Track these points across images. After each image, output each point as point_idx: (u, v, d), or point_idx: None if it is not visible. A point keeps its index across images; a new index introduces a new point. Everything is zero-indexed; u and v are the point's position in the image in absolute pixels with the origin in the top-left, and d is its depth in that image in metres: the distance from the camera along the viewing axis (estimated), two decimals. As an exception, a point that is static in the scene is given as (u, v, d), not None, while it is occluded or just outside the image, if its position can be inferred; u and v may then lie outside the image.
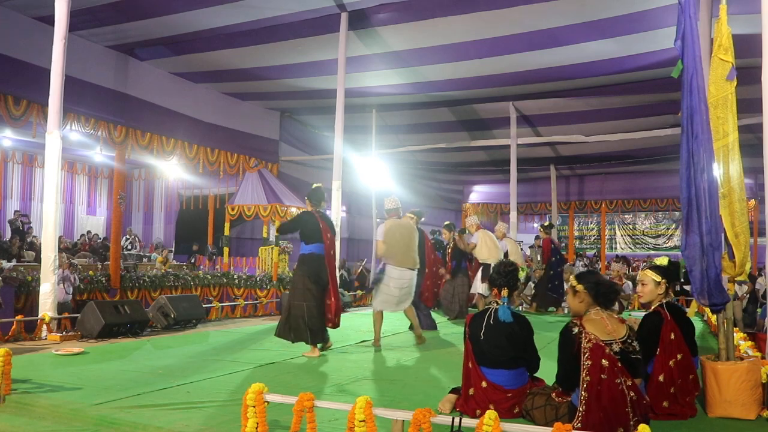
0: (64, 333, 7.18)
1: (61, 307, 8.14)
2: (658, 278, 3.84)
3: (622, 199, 18.96)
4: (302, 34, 9.75)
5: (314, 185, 6.25)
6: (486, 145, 14.76)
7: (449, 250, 9.53)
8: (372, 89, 12.22)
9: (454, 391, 3.81)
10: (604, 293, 3.32)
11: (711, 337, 7.35)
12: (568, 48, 9.86)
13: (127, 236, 15.99)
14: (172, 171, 15.40)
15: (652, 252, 25.81)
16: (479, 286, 9.05)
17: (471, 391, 3.63)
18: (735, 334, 4.73)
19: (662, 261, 3.97)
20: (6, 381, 3.95)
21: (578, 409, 3.10)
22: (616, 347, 3.17)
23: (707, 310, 6.29)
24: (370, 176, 14.95)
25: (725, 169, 3.91)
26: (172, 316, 8.18)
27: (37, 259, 10.21)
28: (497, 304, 3.70)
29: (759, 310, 9.59)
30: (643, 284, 3.92)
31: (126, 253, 14.63)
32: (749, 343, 5.18)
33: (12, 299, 8.45)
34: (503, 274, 3.74)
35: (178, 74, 11.80)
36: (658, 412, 3.54)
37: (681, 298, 13.10)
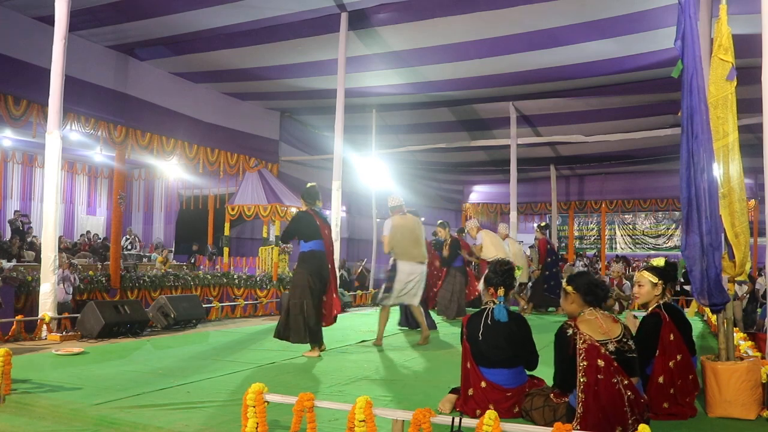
0: (64, 333, 7.18)
1: (61, 307, 8.15)
2: (655, 279, 3.84)
3: (622, 199, 18.96)
4: (302, 34, 9.75)
5: (308, 184, 6.25)
6: (486, 145, 14.76)
7: (446, 247, 9.56)
8: (372, 89, 12.22)
9: (454, 391, 3.81)
10: (592, 292, 3.33)
11: (711, 337, 7.35)
12: (568, 48, 9.86)
13: (127, 236, 15.99)
14: (172, 171, 15.41)
15: (652, 252, 25.82)
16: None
17: (470, 392, 3.62)
18: (735, 334, 4.73)
19: (659, 262, 3.96)
20: (6, 381, 3.95)
21: (576, 411, 3.10)
22: (611, 347, 3.17)
23: (707, 310, 6.29)
24: (370, 176, 14.95)
25: (725, 169, 3.91)
26: (172, 316, 8.17)
27: (37, 259, 10.21)
28: (494, 303, 3.70)
29: (759, 310, 9.59)
30: (639, 285, 3.92)
31: (126, 253, 14.63)
32: (749, 343, 5.18)
33: (12, 299, 8.46)
34: (499, 273, 3.74)
35: (178, 74, 11.81)
36: (658, 412, 3.54)
37: (681, 298, 13.13)
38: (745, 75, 4.85)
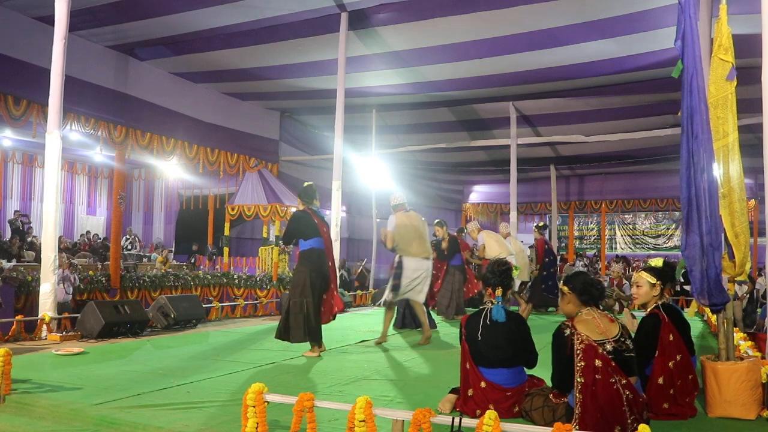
0: (64, 333, 7.18)
1: (61, 307, 8.15)
2: (653, 280, 3.84)
3: (622, 199, 18.97)
4: (302, 34, 9.75)
5: (305, 184, 6.24)
6: (486, 145, 14.76)
7: (444, 246, 9.58)
8: (372, 89, 12.22)
9: (454, 391, 3.81)
10: (587, 291, 3.34)
11: (711, 337, 7.35)
12: (568, 48, 9.86)
13: (127, 236, 15.99)
14: (172, 171, 15.41)
15: (652, 252, 25.83)
16: None
17: (470, 392, 3.62)
18: (735, 334, 4.73)
19: (657, 262, 3.96)
20: (6, 381, 3.95)
21: (574, 412, 3.10)
22: (609, 346, 3.18)
23: (707, 310, 6.29)
24: (370, 176, 14.95)
25: (725, 169, 3.91)
26: (172, 316, 8.17)
27: (37, 259, 10.21)
28: (491, 303, 3.71)
29: (759, 310, 9.59)
30: (638, 286, 3.92)
31: (126, 253, 14.63)
32: (749, 343, 5.18)
33: (12, 299, 8.46)
34: (497, 274, 3.75)
35: (178, 74, 11.81)
36: (658, 412, 3.54)
37: (681, 298, 13.14)
38: (745, 75, 4.85)
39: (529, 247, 11.79)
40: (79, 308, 8.20)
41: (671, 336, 3.67)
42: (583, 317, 3.30)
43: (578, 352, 3.15)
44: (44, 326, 7.16)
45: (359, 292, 13.93)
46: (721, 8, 4.04)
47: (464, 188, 21.27)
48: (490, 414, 2.63)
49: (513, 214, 13.76)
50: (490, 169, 18.28)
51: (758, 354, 4.66)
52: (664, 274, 3.87)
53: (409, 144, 14.90)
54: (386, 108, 13.52)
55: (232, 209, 13.48)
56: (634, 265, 18.67)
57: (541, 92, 12.28)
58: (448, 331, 7.87)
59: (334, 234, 9.62)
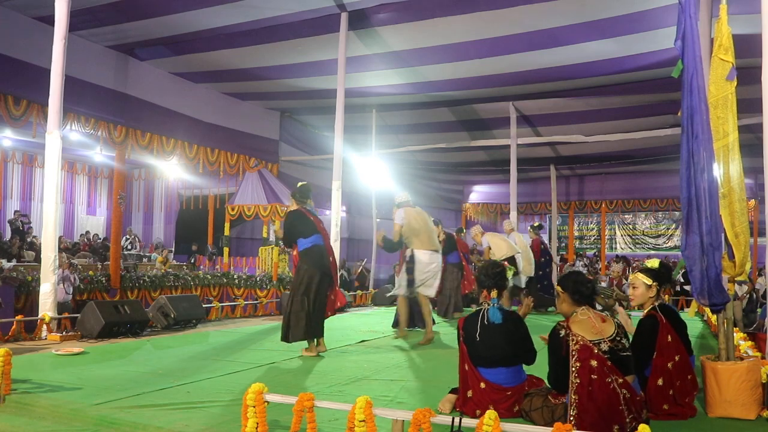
0: (64, 333, 7.18)
1: (61, 307, 8.15)
2: (649, 281, 3.85)
3: (622, 199, 18.96)
4: (302, 34, 9.75)
5: (299, 184, 6.23)
6: (486, 145, 14.76)
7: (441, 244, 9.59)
8: (372, 89, 12.22)
9: (454, 391, 3.81)
10: (578, 290, 3.35)
11: (711, 337, 7.35)
12: (568, 48, 9.86)
13: (127, 236, 15.99)
14: (172, 171, 15.41)
15: (652, 252, 25.81)
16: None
17: (469, 394, 3.61)
18: (735, 334, 4.73)
19: (653, 264, 3.97)
20: (6, 381, 3.95)
21: (569, 413, 3.10)
22: (604, 346, 3.18)
23: (707, 310, 6.29)
24: (370, 176, 14.95)
25: (725, 169, 3.91)
26: (172, 316, 8.17)
27: (37, 259, 10.22)
28: (488, 305, 3.71)
29: (759, 310, 9.59)
30: (634, 287, 3.93)
31: (126, 253, 14.63)
32: (749, 343, 5.18)
33: (12, 299, 8.46)
34: (491, 276, 3.77)
35: (178, 74, 11.80)
36: (658, 413, 3.54)
37: (681, 298, 13.14)
38: (745, 75, 4.85)
39: (529, 247, 11.79)
40: (79, 308, 8.20)
41: (669, 337, 3.67)
42: (578, 317, 3.31)
43: (573, 353, 3.16)
44: (44, 326, 7.16)
45: (359, 292, 13.92)
46: (721, 8, 4.04)
47: (464, 188, 21.27)
48: (490, 414, 2.63)
49: (513, 214, 13.75)
50: (490, 169, 18.28)
51: (758, 354, 4.66)
52: (660, 275, 3.87)
53: (409, 144, 14.90)
54: (386, 108, 13.52)
55: (232, 209, 13.48)
56: (634, 265, 18.66)
57: (541, 92, 12.28)
58: (449, 331, 7.86)
59: (334, 234, 9.63)
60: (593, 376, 3.10)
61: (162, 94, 11.50)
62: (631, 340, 3.46)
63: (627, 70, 10.72)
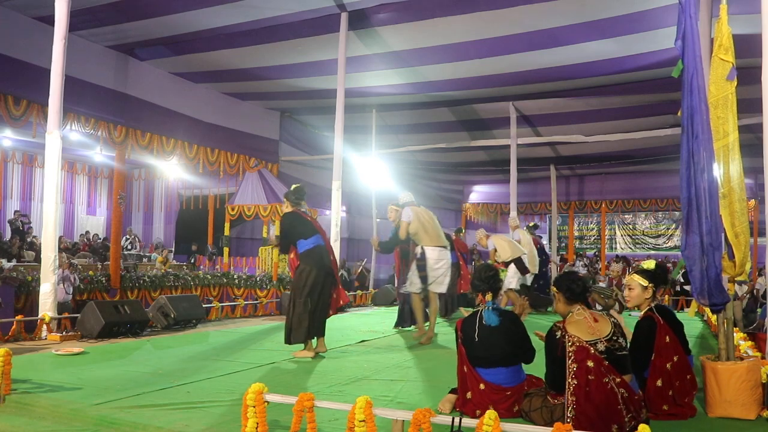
0: (64, 333, 7.18)
1: (61, 307, 8.15)
2: (645, 282, 3.85)
3: (622, 199, 18.96)
4: (302, 34, 9.75)
5: (293, 186, 6.16)
6: (486, 145, 14.76)
7: None
8: (372, 89, 12.22)
9: (454, 391, 3.81)
10: (569, 288, 3.36)
11: (711, 337, 7.34)
12: (568, 48, 9.86)
13: (127, 236, 16.00)
14: (172, 171, 15.41)
15: (652, 252, 25.81)
16: (512, 282, 9.13)
17: (468, 395, 3.61)
18: (735, 334, 4.73)
19: (649, 265, 3.98)
20: (6, 381, 3.95)
21: (566, 414, 3.11)
22: (601, 346, 3.18)
23: (707, 310, 6.29)
24: (370, 176, 14.94)
25: (725, 169, 3.91)
26: (172, 316, 8.17)
27: (37, 259, 10.21)
28: (484, 308, 3.73)
29: (759, 310, 9.59)
30: (630, 289, 3.93)
31: (126, 253, 14.64)
32: (749, 343, 5.18)
33: (12, 299, 8.47)
34: (484, 280, 3.79)
35: (178, 74, 11.81)
36: (658, 413, 3.54)
37: (681, 298, 13.14)
38: (745, 75, 4.85)
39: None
40: (79, 308, 8.21)
41: (667, 338, 3.67)
42: (575, 318, 3.31)
43: (570, 354, 3.16)
44: (44, 326, 7.16)
45: (359, 292, 13.92)
46: (721, 8, 4.04)
47: (464, 188, 21.27)
48: (490, 414, 2.63)
49: (513, 214, 13.75)
50: (490, 169, 18.28)
51: (758, 354, 4.66)
52: (657, 276, 3.88)
53: (409, 144, 14.90)
54: (386, 108, 13.52)
55: (232, 209, 13.48)
56: (634, 265, 18.66)
57: (541, 92, 12.28)
58: (448, 331, 7.86)
59: (334, 234, 9.64)
60: (590, 377, 3.10)
61: (162, 94, 11.50)
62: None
63: (627, 70, 10.72)
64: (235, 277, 12.54)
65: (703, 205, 3.67)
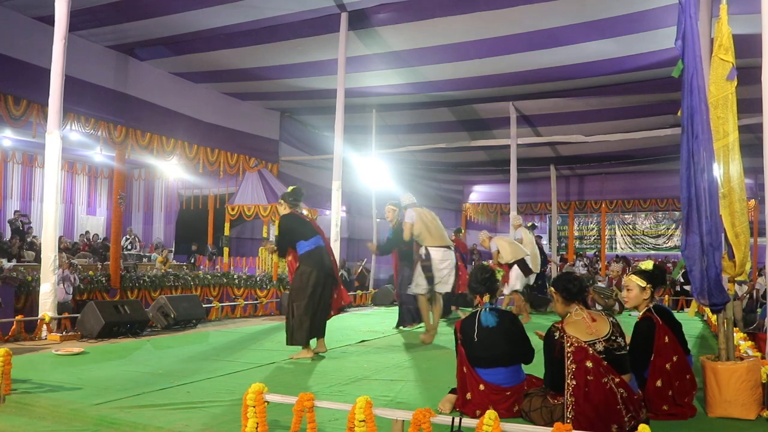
0: (64, 333, 7.18)
1: (61, 307, 8.15)
2: (643, 283, 3.85)
3: (622, 199, 18.97)
4: (302, 34, 9.75)
5: (290, 188, 6.11)
6: (486, 145, 14.76)
7: None
8: (372, 89, 12.22)
9: (454, 391, 3.81)
10: (565, 288, 3.37)
11: (711, 337, 7.35)
12: (568, 48, 9.86)
13: (127, 236, 16.00)
14: (172, 171, 15.42)
15: (652, 252, 25.83)
16: (517, 284, 9.13)
17: (468, 396, 3.61)
18: (735, 334, 4.73)
19: (647, 266, 3.98)
20: (6, 381, 3.95)
21: (565, 415, 3.10)
22: (599, 346, 3.18)
23: (707, 310, 6.29)
24: (370, 176, 14.95)
25: (725, 169, 3.91)
26: (172, 316, 8.17)
27: (37, 259, 10.22)
28: (482, 309, 3.73)
29: (759, 310, 9.60)
30: (628, 290, 3.94)
31: (126, 253, 14.64)
32: (749, 343, 5.18)
33: (12, 299, 8.47)
34: (481, 282, 3.79)
35: (178, 74, 11.81)
36: (657, 413, 3.54)
37: (681, 298, 13.14)
38: (745, 75, 4.84)
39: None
40: (79, 308, 8.20)
41: (666, 338, 3.67)
42: (573, 318, 3.32)
43: (569, 354, 3.16)
44: (44, 326, 7.16)
45: (359, 292, 13.92)
46: (721, 8, 4.04)
47: (464, 188, 21.27)
48: (490, 414, 2.63)
49: (513, 214, 13.75)
50: (490, 169, 18.29)
51: (758, 354, 4.66)
52: (654, 277, 3.88)
53: (409, 144, 14.90)
54: (386, 108, 13.52)
55: (232, 209, 13.48)
56: (634, 265, 18.67)
57: (541, 92, 12.28)
58: (447, 331, 7.86)
59: (334, 234, 9.63)
60: (589, 378, 3.10)
61: (162, 94, 11.50)
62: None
63: (627, 70, 10.72)
64: (235, 277, 12.54)
65: (703, 205, 3.67)
